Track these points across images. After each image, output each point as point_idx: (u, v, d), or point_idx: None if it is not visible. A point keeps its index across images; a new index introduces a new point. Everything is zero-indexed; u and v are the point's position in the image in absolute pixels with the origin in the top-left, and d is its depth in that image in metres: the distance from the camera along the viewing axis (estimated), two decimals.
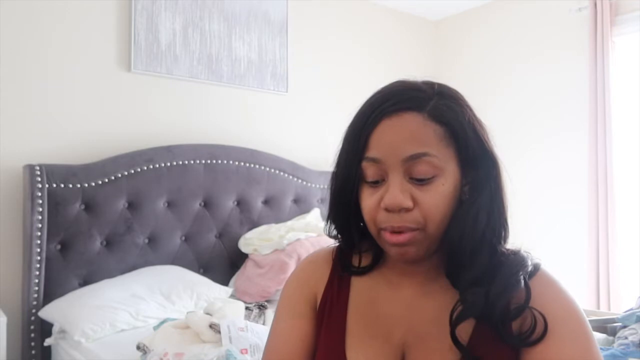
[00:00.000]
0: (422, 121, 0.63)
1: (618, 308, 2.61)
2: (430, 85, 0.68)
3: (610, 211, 2.73)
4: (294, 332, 0.75)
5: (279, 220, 2.73)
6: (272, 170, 2.77)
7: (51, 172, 2.11)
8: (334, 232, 0.76)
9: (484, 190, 0.65)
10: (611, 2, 2.80)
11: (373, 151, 0.65)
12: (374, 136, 0.65)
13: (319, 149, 3.10)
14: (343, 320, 0.72)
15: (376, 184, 0.66)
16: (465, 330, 0.64)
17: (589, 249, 2.80)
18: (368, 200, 0.66)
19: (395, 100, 0.65)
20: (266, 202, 2.76)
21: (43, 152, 2.21)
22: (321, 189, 2.96)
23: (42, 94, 2.23)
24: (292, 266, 2.33)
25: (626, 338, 1.62)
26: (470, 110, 0.67)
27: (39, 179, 2.07)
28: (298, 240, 2.45)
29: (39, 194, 2.06)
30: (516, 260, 0.66)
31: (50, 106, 2.25)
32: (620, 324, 1.74)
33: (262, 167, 2.74)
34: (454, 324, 0.63)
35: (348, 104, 3.25)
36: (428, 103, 0.65)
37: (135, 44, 2.42)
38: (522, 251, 0.68)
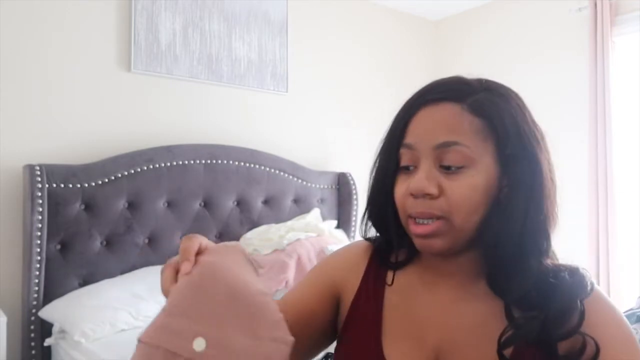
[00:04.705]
0: (458, 111, 0.64)
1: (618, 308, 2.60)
2: (479, 81, 0.68)
3: (610, 211, 2.73)
4: (305, 294, 0.75)
5: (279, 220, 2.73)
6: (272, 170, 2.77)
7: (51, 172, 2.11)
8: (371, 230, 0.75)
9: (521, 193, 0.63)
10: (611, 2, 2.79)
11: (409, 138, 0.66)
12: (412, 124, 0.66)
13: (319, 149, 3.09)
14: (379, 318, 0.71)
15: (409, 170, 0.67)
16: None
17: (589, 249, 2.80)
18: (400, 186, 0.67)
19: (436, 91, 0.66)
20: (266, 202, 2.76)
21: (43, 152, 2.21)
22: (321, 189, 2.96)
23: (42, 94, 2.23)
24: (292, 266, 2.33)
25: None
26: (522, 110, 0.66)
27: (39, 179, 2.06)
28: (298, 240, 2.45)
29: (39, 194, 2.06)
30: (575, 282, 0.63)
31: (50, 106, 2.25)
32: None
33: (262, 167, 2.73)
34: (502, 345, 0.60)
35: (348, 104, 3.25)
36: (470, 96, 0.65)
37: (135, 44, 2.42)
38: (580, 269, 0.65)
